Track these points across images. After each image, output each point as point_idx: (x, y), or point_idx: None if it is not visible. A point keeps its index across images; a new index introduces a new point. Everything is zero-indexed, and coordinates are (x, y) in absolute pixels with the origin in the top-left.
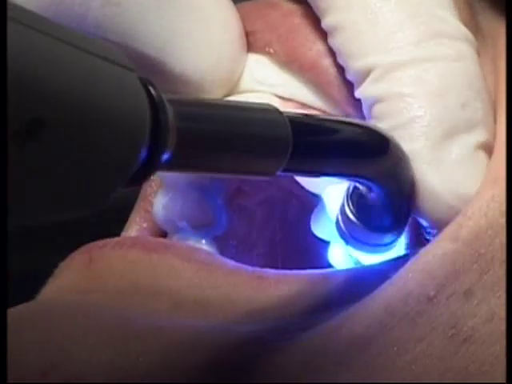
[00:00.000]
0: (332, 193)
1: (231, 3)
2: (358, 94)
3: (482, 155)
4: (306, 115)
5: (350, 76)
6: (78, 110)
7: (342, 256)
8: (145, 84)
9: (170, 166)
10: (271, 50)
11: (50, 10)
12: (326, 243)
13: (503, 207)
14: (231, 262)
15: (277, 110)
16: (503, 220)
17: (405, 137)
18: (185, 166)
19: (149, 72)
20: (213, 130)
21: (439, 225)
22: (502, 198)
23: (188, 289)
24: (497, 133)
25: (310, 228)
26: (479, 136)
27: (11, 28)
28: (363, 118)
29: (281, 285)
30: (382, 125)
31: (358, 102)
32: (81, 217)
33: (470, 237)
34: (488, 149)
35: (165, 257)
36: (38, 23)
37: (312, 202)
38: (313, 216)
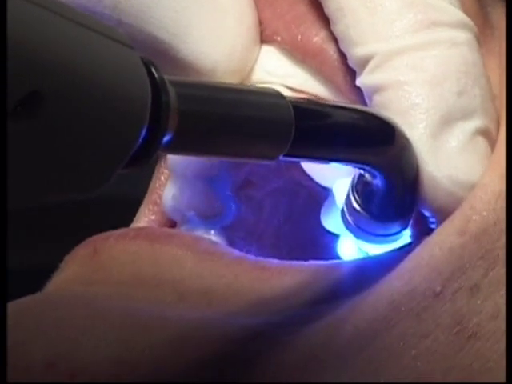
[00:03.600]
0: (342, 186)
1: None
2: (358, 83)
3: (482, 141)
4: (309, 100)
5: (351, 63)
6: (78, 85)
7: (352, 250)
8: (147, 64)
9: (171, 147)
10: (278, 38)
11: None
12: (335, 236)
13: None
14: (234, 252)
15: (279, 94)
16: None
17: (403, 125)
18: (186, 147)
19: (161, 58)
20: (215, 112)
21: (440, 213)
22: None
23: (191, 279)
24: (501, 126)
25: (319, 220)
26: (478, 122)
27: (11, 2)
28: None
29: (283, 275)
30: None
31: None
32: (90, 211)
33: (478, 232)
34: (488, 135)
35: (167, 247)
36: None
37: (321, 194)
38: (323, 209)
